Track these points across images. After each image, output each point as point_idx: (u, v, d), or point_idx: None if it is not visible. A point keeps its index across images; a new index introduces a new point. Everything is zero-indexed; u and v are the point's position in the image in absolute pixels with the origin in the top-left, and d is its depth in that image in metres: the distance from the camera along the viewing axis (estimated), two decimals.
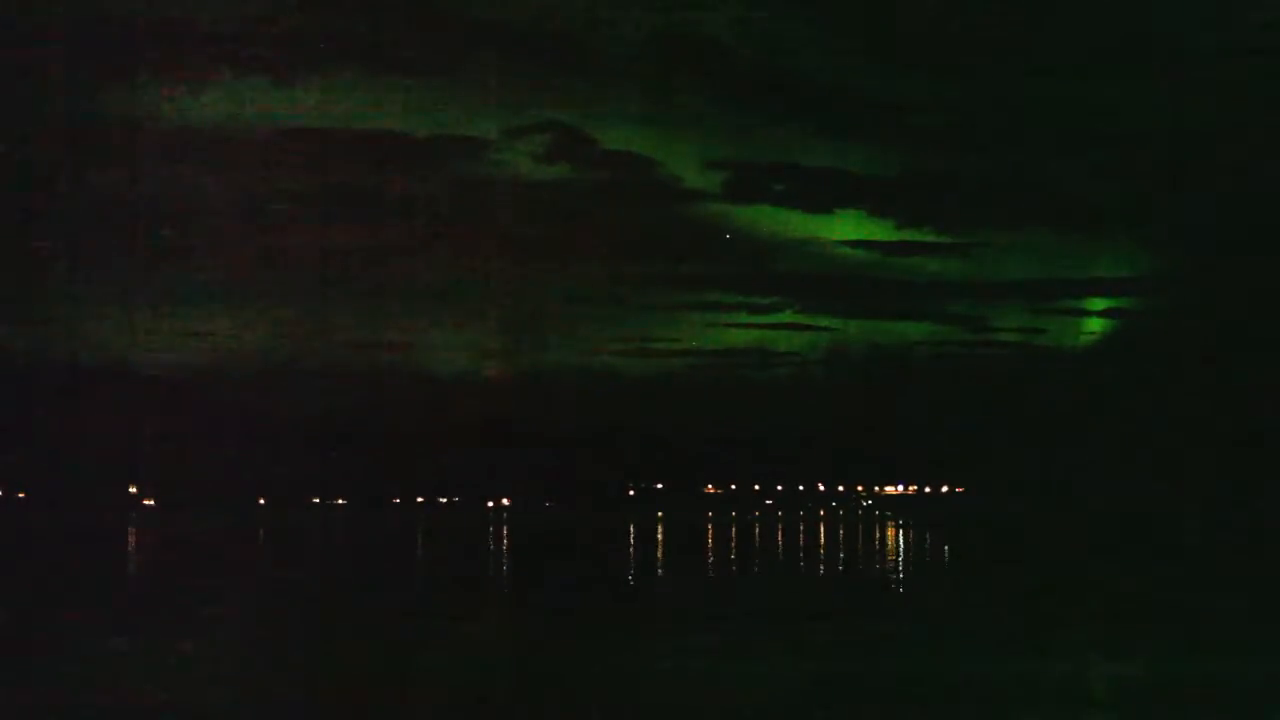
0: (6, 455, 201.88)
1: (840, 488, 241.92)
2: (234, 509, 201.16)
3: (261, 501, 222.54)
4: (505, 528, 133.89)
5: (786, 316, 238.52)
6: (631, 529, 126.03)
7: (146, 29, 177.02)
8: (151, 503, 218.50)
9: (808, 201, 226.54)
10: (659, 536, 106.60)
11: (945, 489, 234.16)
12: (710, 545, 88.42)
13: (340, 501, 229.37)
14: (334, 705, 23.42)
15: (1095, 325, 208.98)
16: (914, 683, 25.70)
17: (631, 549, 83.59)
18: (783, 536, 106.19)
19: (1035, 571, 61.28)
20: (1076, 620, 37.64)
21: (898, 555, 75.36)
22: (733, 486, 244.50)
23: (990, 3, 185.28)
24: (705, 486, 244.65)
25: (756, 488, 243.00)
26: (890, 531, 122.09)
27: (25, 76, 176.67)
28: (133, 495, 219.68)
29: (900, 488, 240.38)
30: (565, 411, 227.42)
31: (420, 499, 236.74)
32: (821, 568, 62.69)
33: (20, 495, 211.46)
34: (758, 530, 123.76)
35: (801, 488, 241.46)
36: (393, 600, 43.80)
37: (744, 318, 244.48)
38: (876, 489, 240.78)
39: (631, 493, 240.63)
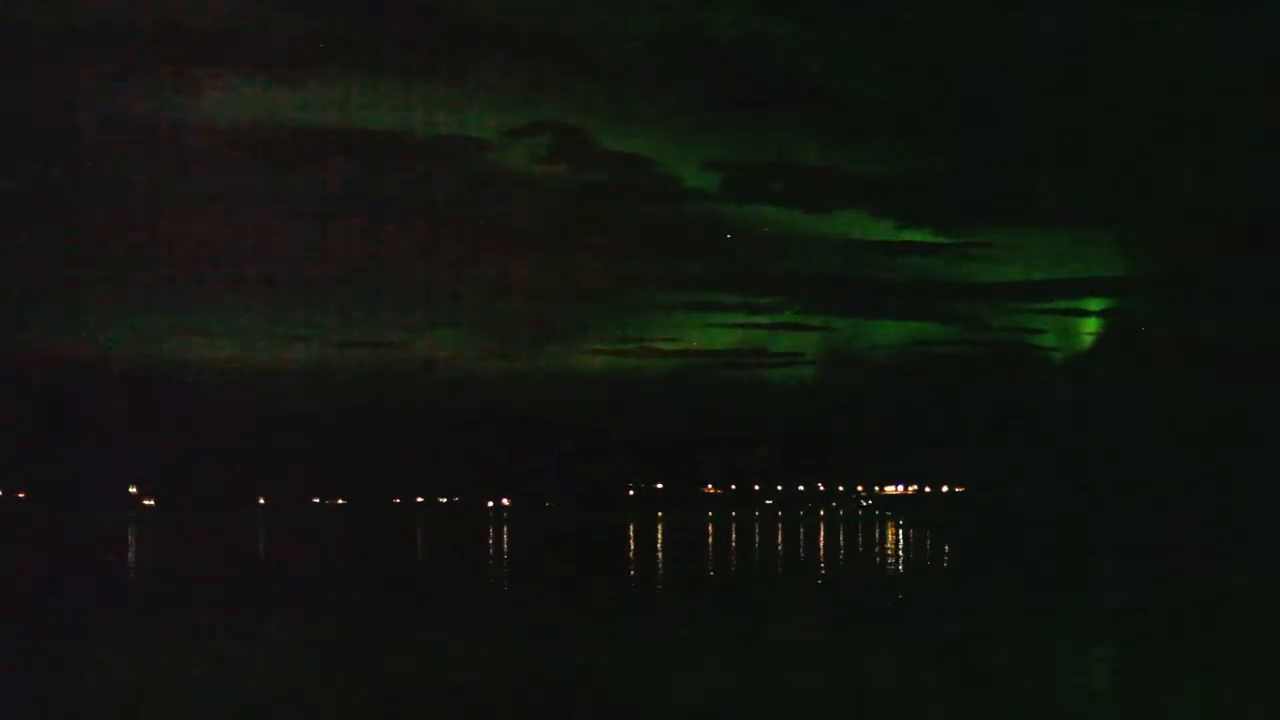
0: (6, 455, 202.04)
1: (840, 488, 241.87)
2: (234, 509, 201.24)
3: (261, 501, 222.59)
4: (505, 528, 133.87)
5: (786, 316, 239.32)
6: (631, 529, 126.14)
7: (146, 29, 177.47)
8: (151, 503, 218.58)
9: (808, 201, 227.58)
10: (659, 538, 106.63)
11: (945, 489, 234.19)
12: (711, 548, 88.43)
13: (340, 501, 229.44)
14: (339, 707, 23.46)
15: (1093, 325, 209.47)
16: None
17: (631, 550, 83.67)
18: (782, 537, 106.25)
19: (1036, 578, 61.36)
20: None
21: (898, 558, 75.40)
22: (733, 486, 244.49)
23: (990, 5, 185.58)
24: (705, 486, 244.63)
25: (756, 488, 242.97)
26: (890, 532, 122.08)
27: (26, 77, 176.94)
28: (133, 495, 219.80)
29: (900, 488, 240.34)
30: (565, 411, 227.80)
31: (420, 499, 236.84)
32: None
33: (20, 495, 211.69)
34: (758, 530, 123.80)
35: (801, 488, 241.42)
36: (392, 600, 43.87)
37: (744, 318, 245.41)
38: (876, 489, 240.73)
39: (631, 493, 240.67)
